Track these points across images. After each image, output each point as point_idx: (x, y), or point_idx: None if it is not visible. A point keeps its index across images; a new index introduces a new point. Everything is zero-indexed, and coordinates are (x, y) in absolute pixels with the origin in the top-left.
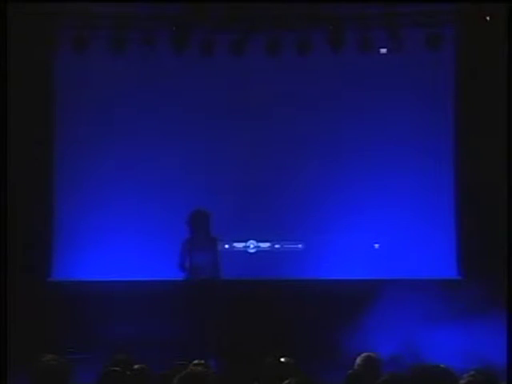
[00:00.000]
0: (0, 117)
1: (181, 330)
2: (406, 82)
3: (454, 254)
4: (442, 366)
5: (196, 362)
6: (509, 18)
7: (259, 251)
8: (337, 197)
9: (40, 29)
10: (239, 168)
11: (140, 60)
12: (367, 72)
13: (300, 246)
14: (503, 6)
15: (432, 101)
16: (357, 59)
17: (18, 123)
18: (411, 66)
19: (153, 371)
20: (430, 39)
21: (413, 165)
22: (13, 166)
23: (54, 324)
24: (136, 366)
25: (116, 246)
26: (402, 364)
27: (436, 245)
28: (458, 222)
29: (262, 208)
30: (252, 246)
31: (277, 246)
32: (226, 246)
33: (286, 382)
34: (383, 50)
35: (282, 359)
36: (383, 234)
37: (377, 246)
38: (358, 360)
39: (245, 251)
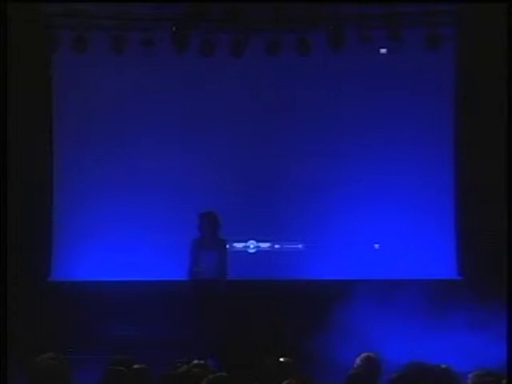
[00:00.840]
0: (0, 117)
1: (181, 330)
2: (406, 82)
3: (454, 254)
4: (443, 365)
5: (196, 361)
6: (509, 18)
7: (259, 251)
8: (337, 197)
9: (40, 29)
10: (239, 168)
11: (140, 60)
12: (367, 72)
13: (300, 246)
14: (503, 6)
15: (432, 101)
16: (357, 59)
17: (17, 123)
18: (411, 66)
19: (153, 371)
20: (430, 39)
21: (413, 165)
22: (13, 166)
23: (53, 324)
24: (136, 366)
25: (116, 246)
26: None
27: (436, 245)
28: (457, 222)
29: (262, 208)
30: (252, 246)
31: (277, 246)
32: (227, 246)
33: (286, 382)
34: (383, 50)
35: (282, 359)
36: (383, 234)
37: (377, 246)
38: (358, 360)
39: (245, 251)
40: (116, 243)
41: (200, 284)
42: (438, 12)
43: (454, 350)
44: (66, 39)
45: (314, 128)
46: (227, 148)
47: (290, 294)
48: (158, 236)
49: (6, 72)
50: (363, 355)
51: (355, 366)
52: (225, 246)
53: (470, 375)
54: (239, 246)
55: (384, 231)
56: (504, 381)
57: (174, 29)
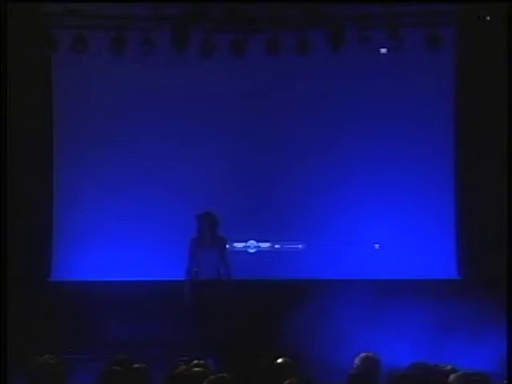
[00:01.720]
0: (0, 117)
1: (181, 330)
2: (405, 81)
3: (454, 254)
4: (448, 366)
5: (196, 361)
6: (509, 18)
7: (259, 251)
8: (337, 197)
9: (40, 29)
10: (240, 168)
11: (140, 60)
12: (367, 72)
13: (300, 246)
14: (503, 6)
15: (432, 100)
16: (357, 59)
17: (17, 123)
18: (411, 66)
19: (153, 371)
20: (430, 39)
21: (413, 165)
22: (13, 166)
23: (53, 324)
24: (136, 366)
25: (116, 246)
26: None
27: (436, 245)
28: (458, 222)
29: (263, 208)
30: (252, 245)
31: (277, 246)
32: (227, 246)
33: (286, 382)
34: (383, 50)
35: (282, 359)
36: (383, 234)
37: (377, 246)
38: (357, 360)
39: (245, 251)
40: (116, 243)
41: (199, 283)
42: (438, 12)
43: (454, 350)
44: (66, 39)
45: (314, 128)
46: (227, 148)
47: (290, 294)
48: (158, 236)
49: (6, 72)
50: (362, 355)
51: (354, 366)
52: (224, 244)
53: (452, 376)
54: (239, 245)
55: (384, 231)
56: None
57: (173, 29)
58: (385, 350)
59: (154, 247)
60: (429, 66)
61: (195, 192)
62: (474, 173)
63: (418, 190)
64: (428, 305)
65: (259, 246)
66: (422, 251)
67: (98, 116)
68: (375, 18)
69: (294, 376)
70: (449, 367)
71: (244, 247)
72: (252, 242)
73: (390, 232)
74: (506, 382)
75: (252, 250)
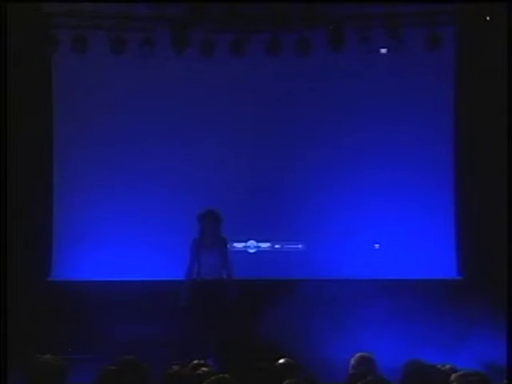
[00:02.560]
0: (0, 116)
1: (181, 330)
2: (406, 82)
3: (454, 254)
4: (447, 366)
5: (196, 361)
6: (509, 18)
7: (259, 251)
8: (337, 197)
9: (40, 29)
10: (239, 168)
11: (140, 60)
12: (367, 72)
13: (300, 246)
14: (503, 6)
15: (432, 100)
16: (357, 59)
17: (17, 123)
18: (411, 66)
19: (153, 371)
20: (430, 39)
21: (413, 165)
22: (13, 166)
23: (53, 324)
24: (136, 366)
25: (116, 245)
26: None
27: (436, 245)
28: (458, 222)
29: (263, 208)
30: (252, 245)
31: (277, 246)
32: (228, 245)
33: (286, 382)
34: (383, 50)
35: (283, 359)
36: (383, 234)
37: (377, 246)
38: (353, 361)
39: (245, 251)
40: (116, 243)
41: (200, 284)
42: (438, 12)
43: (454, 350)
44: (66, 39)
45: (313, 128)
46: (227, 148)
47: (290, 294)
48: (159, 236)
49: (6, 72)
50: (357, 355)
51: (350, 366)
52: (226, 245)
53: (453, 376)
54: (239, 246)
55: (384, 231)
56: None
57: (173, 29)
58: (384, 350)
59: (154, 247)
60: (429, 66)
61: (196, 192)
62: (474, 173)
63: (418, 190)
64: (428, 305)
65: (259, 246)
66: (422, 251)
67: (98, 116)
68: (375, 17)
69: (294, 376)
70: (447, 367)
71: (244, 247)
72: (252, 242)
73: (390, 232)
74: (506, 382)
75: (252, 250)
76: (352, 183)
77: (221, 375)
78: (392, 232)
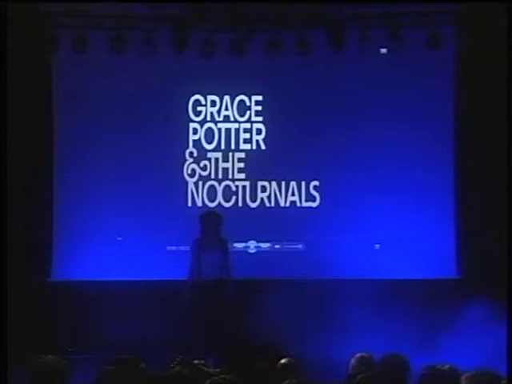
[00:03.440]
0: (0, 116)
1: (181, 330)
2: (406, 81)
3: (454, 254)
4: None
5: (196, 361)
6: (509, 18)
7: (259, 251)
8: (337, 197)
9: (40, 29)
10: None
11: (140, 60)
12: (367, 72)
13: (300, 246)
14: (503, 6)
15: (432, 100)
16: (357, 59)
17: (17, 123)
18: (411, 65)
19: (153, 371)
20: (430, 39)
21: (413, 165)
22: (13, 166)
23: (53, 324)
24: (136, 365)
25: (116, 245)
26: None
27: (436, 245)
28: (457, 223)
29: (263, 208)
30: (252, 246)
31: (277, 246)
32: (228, 247)
33: (286, 382)
34: (383, 50)
35: (282, 360)
36: (384, 234)
37: (377, 246)
38: (353, 361)
39: (245, 251)
40: (116, 243)
41: (201, 284)
42: (438, 12)
43: (453, 350)
44: (66, 39)
45: (313, 128)
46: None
47: (290, 294)
48: (159, 236)
49: (6, 72)
50: (357, 356)
51: (350, 366)
52: (227, 246)
53: (463, 376)
54: (239, 246)
55: (384, 231)
56: (504, 381)
57: (173, 29)
58: (384, 350)
59: (155, 247)
60: (429, 66)
61: (196, 192)
62: (475, 172)
63: (418, 190)
64: (428, 305)
65: (259, 246)
66: (422, 251)
67: (99, 116)
68: (375, 17)
69: (294, 376)
70: (447, 367)
71: (244, 247)
72: (252, 242)
73: (390, 232)
74: (505, 382)
75: (252, 250)
76: (352, 183)
77: (222, 376)
78: (392, 232)
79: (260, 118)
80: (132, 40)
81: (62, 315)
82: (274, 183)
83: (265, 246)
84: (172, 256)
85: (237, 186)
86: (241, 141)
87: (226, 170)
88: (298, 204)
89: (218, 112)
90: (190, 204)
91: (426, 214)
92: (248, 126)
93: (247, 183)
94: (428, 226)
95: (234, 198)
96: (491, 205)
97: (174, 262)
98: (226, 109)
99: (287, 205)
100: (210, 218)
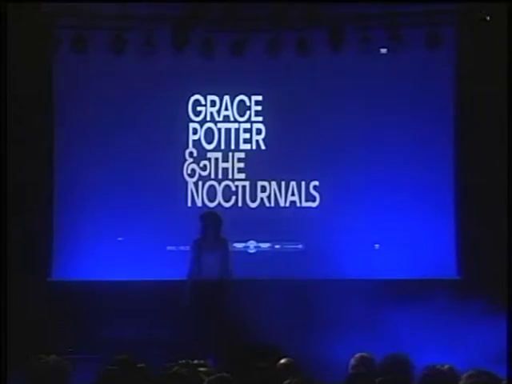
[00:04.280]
0: (0, 116)
1: (181, 330)
2: (406, 81)
3: (454, 254)
4: (446, 366)
5: (196, 361)
6: (509, 18)
7: (259, 251)
8: (337, 197)
9: (40, 29)
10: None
11: (140, 60)
12: (367, 72)
13: (300, 246)
14: (503, 6)
15: (432, 100)
16: (357, 59)
17: (17, 123)
18: (411, 65)
19: (153, 371)
20: (429, 39)
21: (413, 165)
22: (13, 166)
23: (54, 324)
24: (136, 365)
25: (116, 245)
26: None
27: (436, 245)
28: (457, 223)
29: (263, 208)
30: (252, 246)
31: (277, 246)
32: (229, 247)
33: (286, 382)
34: (383, 50)
35: (282, 360)
36: (383, 233)
37: (377, 246)
38: (353, 361)
39: (245, 251)
40: (116, 243)
41: (201, 284)
42: (438, 12)
43: (453, 350)
44: (66, 39)
45: (313, 127)
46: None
47: (290, 294)
48: (159, 236)
49: (6, 72)
50: (357, 355)
51: (350, 366)
52: (227, 246)
53: (463, 376)
54: (239, 246)
55: (384, 231)
56: (504, 382)
57: (173, 29)
58: (384, 350)
59: (155, 247)
60: (429, 66)
61: (196, 192)
62: (475, 172)
63: (418, 190)
64: (428, 305)
65: (259, 246)
66: (422, 251)
67: (99, 116)
68: (375, 17)
69: (295, 376)
70: (447, 367)
71: (244, 247)
72: (252, 242)
73: (389, 232)
74: (505, 382)
75: (252, 250)
76: (352, 183)
77: (221, 374)
78: (392, 232)
79: (260, 118)
80: (132, 40)
81: (62, 315)
82: (273, 183)
83: (265, 246)
84: (172, 256)
85: (237, 186)
86: (241, 141)
87: (225, 170)
88: (298, 204)
89: (218, 112)
90: (189, 204)
91: (426, 214)
92: (248, 126)
93: (247, 183)
94: (428, 226)
95: (233, 198)
96: (491, 205)
97: (174, 262)
98: (226, 109)
99: (287, 205)
100: (210, 218)
